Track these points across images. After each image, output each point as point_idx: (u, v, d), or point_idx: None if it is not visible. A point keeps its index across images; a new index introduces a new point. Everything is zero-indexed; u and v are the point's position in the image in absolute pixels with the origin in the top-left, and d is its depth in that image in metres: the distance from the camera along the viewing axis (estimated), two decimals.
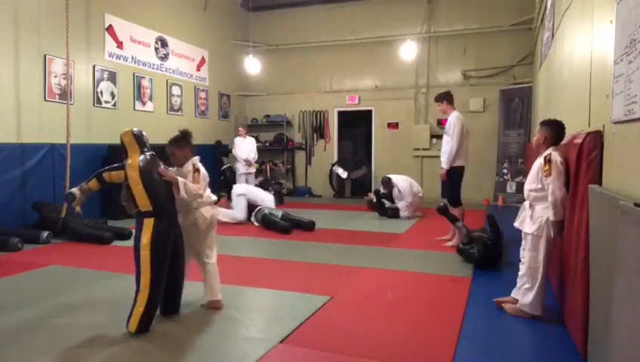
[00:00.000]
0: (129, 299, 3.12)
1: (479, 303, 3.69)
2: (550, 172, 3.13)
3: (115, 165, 3.20)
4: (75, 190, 3.16)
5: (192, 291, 3.81)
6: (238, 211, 7.43)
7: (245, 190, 7.76)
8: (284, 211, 7.26)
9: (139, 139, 3.23)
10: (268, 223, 6.91)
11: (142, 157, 3.16)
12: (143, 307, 3.02)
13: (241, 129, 9.83)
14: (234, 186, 7.86)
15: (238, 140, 9.64)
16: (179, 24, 9.70)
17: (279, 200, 9.14)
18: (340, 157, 11.67)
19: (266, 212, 7.09)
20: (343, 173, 11.10)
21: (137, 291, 3.06)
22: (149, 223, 3.08)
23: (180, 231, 3.35)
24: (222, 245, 5.89)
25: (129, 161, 3.12)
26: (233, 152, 9.61)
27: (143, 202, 3.08)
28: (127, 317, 3.05)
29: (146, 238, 3.04)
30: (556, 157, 3.18)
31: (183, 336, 3.04)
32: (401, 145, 10.93)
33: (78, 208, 3.27)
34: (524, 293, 3.35)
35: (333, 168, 11.25)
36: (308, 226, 6.83)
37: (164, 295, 3.24)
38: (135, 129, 3.27)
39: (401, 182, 8.05)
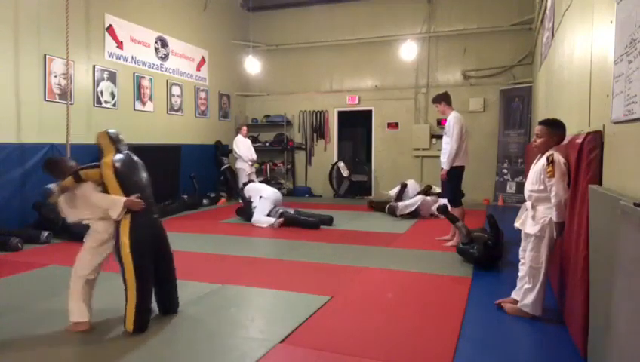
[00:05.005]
0: None
1: (479, 303, 3.69)
2: (554, 173, 3.12)
3: (92, 164, 3.24)
4: (52, 185, 3.19)
5: (190, 291, 3.82)
6: (266, 214, 7.31)
7: (262, 189, 7.75)
8: (296, 209, 7.42)
9: (114, 139, 3.28)
10: (295, 222, 7.05)
11: (117, 155, 3.19)
12: (134, 304, 3.02)
13: (244, 128, 9.95)
14: (249, 187, 7.83)
15: (239, 139, 9.71)
16: (179, 24, 9.70)
17: None
18: (343, 157, 11.66)
19: (291, 213, 7.22)
20: (344, 171, 11.10)
21: (125, 289, 3.07)
22: (125, 221, 3.09)
23: (162, 229, 3.35)
24: (222, 245, 5.93)
25: (104, 160, 3.16)
26: (235, 151, 9.65)
27: (122, 221, 3.10)
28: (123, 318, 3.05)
29: (125, 236, 3.06)
30: (559, 157, 3.17)
31: (183, 336, 3.04)
32: (401, 145, 10.93)
33: (54, 202, 3.31)
34: (524, 294, 3.34)
35: (337, 164, 11.25)
36: (312, 225, 6.94)
37: (159, 295, 3.25)
38: (110, 130, 3.32)
39: (412, 183, 8.70)
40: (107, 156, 3.18)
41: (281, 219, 7.09)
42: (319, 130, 11.72)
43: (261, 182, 10.45)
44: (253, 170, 10.01)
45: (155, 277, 3.20)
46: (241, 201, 7.99)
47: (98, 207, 3.14)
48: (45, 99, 6.73)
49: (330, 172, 11.36)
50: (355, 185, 11.18)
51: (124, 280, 3.08)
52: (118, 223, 3.11)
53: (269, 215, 7.28)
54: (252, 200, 7.53)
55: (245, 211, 7.64)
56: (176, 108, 9.63)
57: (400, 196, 8.30)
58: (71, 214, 3.26)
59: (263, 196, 7.46)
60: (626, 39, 2.16)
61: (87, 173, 3.17)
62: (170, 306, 3.38)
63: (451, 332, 3.11)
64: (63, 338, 3.00)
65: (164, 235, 3.37)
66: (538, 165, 3.30)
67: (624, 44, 2.19)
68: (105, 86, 7.82)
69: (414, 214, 7.94)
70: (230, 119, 11.56)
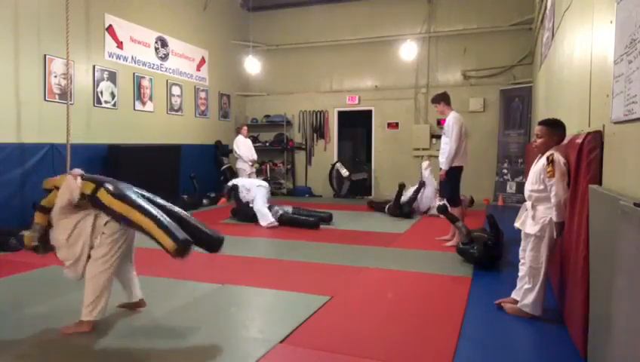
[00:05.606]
0: None
1: (479, 303, 3.70)
2: (554, 173, 3.12)
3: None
4: (25, 231, 3.25)
5: (190, 291, 3.82)
6: (265, 205, 7.32)
7: (254, 180, 7.99)
8: (294, 208, 7.44)
9: (57, 179, 3.32)
10: (294, 222, 7.05)
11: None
12: (159, 231, 2.91)
13: (245, 128, 9.96)
14: (241, 185, 7.83)
15: (240, 139, 9.71)
16: (179, 24, 9.70)
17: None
18: (341, 157, 11.68)
19: (290, 213, 7.23)
20: (344, 172, 11.10)
21: (147, 233, 2.96)
22: (102, 194, 3.04)
23: (131, 186, 3.32)
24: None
25: (56, 182, 3.22)
26: (236, 151, 9.65)
27: (84, 187, 3.10)
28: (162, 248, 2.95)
29: (114, 204, 3.00)
30: (559, 157, 3.17)
31: (183, 336, 3.04)
32: (401, 145, 10.93)
33: (34, 243, 3.27)
34: (524, 294, 3.35)
35: (336, 165, 11.25)
36: (312, 224, 6.95)
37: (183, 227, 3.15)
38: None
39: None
40: (57, 181, 3.24)
41: (277, 223, 7.12)
42: (319, 130, 11.73)
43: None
44: (254, 170, 10.01)
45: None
46: (226, 193, 7.98)
47: (71, 207, 3.11)
48: (45, 99, 6.73)
49: (330, 172, 11.36)
50: (355, 185, 11.18)
51: (141, 228, 2.97)
52: (99, 202, 3.05)
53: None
54: (251, 195, 7.51)
55: (241, 211, 7.61)
56: (176, 108, 9.63)
57: (399, 198, 8.20)
58: (71, 251, 3.19)
59: (260, 185, 7.60)
60: (626, 39, 2.16)
61: (47, 199, 3.23)
62: (207, 239, 3.27)
63: (451, 332, 3.11)
64: (64, 338, 3.00)
65: (147, 193, 3.31)
66: (538, 165, 3.30)
67: (624, 44, 2.19)
68: (105, 86, 7.82)
69: (412, 211, 7.96)
70: (230, 119, 11.56)
